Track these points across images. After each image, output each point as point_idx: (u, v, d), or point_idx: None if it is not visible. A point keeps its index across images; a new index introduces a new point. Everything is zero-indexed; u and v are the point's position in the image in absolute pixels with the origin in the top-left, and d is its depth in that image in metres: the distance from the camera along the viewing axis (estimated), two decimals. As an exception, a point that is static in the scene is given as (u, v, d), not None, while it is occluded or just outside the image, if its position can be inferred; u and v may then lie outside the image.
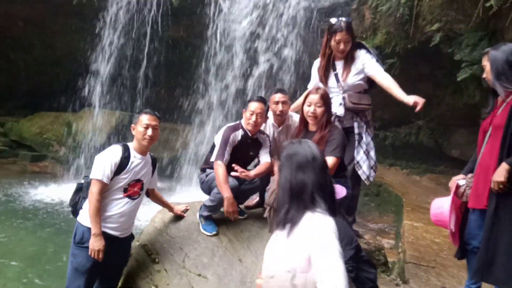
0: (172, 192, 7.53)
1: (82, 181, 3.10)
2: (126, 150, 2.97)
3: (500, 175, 2.56)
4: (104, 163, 2.89)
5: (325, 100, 3.17)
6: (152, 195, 3.35)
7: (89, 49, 8.56)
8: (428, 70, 7.26)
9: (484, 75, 2.86)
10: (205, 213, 3.37)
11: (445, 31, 5.96)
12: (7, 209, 6.54)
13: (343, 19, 3.58)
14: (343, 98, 3.54)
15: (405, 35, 6.60)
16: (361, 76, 3.58)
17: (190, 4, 8.18)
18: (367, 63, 3.58)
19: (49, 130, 9.22)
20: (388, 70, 3.69)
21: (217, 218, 3.48)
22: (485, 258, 2.63)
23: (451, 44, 6.09)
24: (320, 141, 3.09)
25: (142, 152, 3.04)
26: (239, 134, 3.47)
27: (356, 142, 3.50)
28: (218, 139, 3.46)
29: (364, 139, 3.53)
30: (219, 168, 3.28)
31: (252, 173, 3.35)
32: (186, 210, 3.57)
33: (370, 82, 3.66)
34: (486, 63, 2.81)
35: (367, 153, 3.49)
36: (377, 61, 3.62)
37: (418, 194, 7.19)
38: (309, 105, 3.15)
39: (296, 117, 3.91)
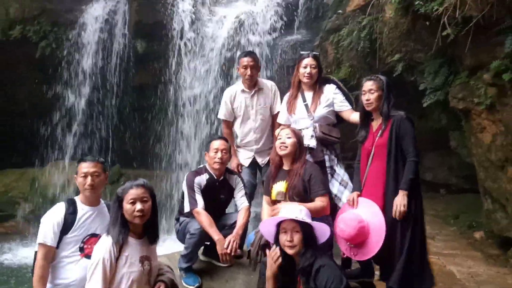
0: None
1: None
2: (70, 205, 2.71)
3: (401, 204, 2.90)
4: (45, 224, 2.64)
5: (295, 133, 3.23)
6: None
7: (54, 100, 8.39)
8: (395, 101, 7.43)
9: (369, 99, 3.14)
10: (184, 265, 3.24)
11: (406, 61, 6.18)
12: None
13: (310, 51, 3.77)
14: (314, 128, 3.54)
15: (368, 67, 6.79)
16: (330, 109, 3.64)
17: (156, 50, 8.20)
18: (336, 99, 3.67)
19: (15, 188, 8.82)
20: (356, 100, 3.78)
21: (199, 268, 3.33)
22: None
23: (413, 72, 6.31)
24: (290, 174, 3.08)
25: (91, 202, 2.76)
26: (204, 178, 3.41)
27: (329, 176, 3.49)
28: (184, 187, 3.38)
29: (337, 171, 3.53)
30: (200, 216, 3.20)
31: (239, 231, 3.27)
32: None
33: (338, 118, 3.72)
34: (376, 90, 3.13)
35: (345, 184, 3.47)
36: (346, 98, 3.70)
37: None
38: (279, 138, 3.19)
39: (268, 83, 4.07)
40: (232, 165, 3.96)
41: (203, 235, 3.18)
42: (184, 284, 3.21)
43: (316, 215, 2.92)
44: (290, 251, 2.55)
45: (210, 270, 3.32)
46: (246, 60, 3.90)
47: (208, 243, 3.35)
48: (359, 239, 2.98)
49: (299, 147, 3.18)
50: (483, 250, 5.16)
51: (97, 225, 2.74)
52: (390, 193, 3.02)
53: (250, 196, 3.72)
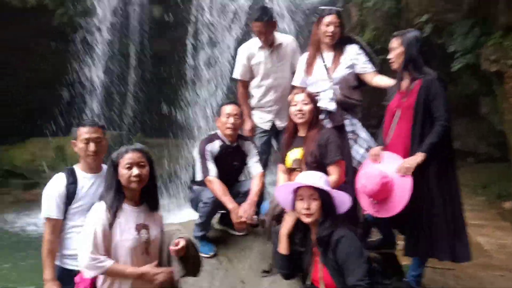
0: (165, 212, 7.26)
1: None
2: (70, 175, 2.56)
3: (409, 161, 2.76)
4: (47, 198, 2.52)
5: (312, 98, 3.03)
6: None
7: (75, 70, 8.38)
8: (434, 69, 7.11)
9: (392, 58, 2.97)
10: (199, 233, 3.17)
11: (434, 21, 5.83)
12: (4, 241, 6.32)
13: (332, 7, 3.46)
14: (334, 91, 3.34)
15: (394, 29, 6.32)
16: (351, 71, 3.40)
17: (173, 17, 8.02)
18: (358, 61, 3.42)
19: (41, 156, 8.96)
20: (381, 65, 3.52)
21: (214, 236, 3.27)
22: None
23: (442, 34, 5.95)
24: (307, 140, 2.93)
25: (92, 170, 2.61)
26: (216, 145, 3.27)
27: (352, 141, 3.29)
28: (196, 155, 3.28)
29: (362, 136, 3.32)
30: (213, 184, 3.10)
31: (254, 198, 3.13)
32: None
33: (359, 80, 3.50)
34: (398, 46, 2.92)
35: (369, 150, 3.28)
36: (369, 60, 3.45)
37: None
38: (295, 105, 2.99)
39: (288, 38, 3.85)
40: (246, 127, 3.78)
41: (217, 204, 3.09)
42: (199, 252, 3.15)
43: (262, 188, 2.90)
44: (306, 220, 2.42)
45: (226, 239, 3.26)
46: (258, 25, 3.62)
47: (224, 211, 3.27)
48: (382, 195, 2.79)
49: (316, 113, 3.02)
50: (512, 220, 4.96)
51: (102, 191, 2.52)
52: None
53: (264, 164, 3.59)
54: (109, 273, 2.20)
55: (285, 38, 3.87)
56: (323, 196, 2.43)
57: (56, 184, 2.54)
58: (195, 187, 3.30)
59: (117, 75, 8.60)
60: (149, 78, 8.83)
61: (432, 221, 2.79)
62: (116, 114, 8.92)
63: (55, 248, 2.53)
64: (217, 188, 3.07)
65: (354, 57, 3.39)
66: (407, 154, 2.84)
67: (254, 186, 3.19)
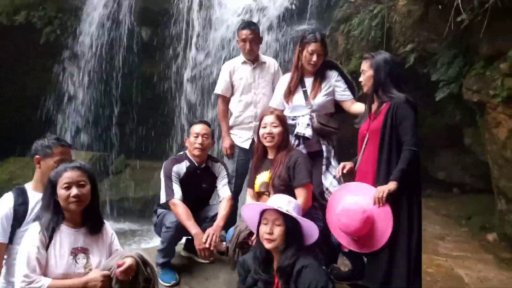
0: (150, 235, 7.09)
1: None
2: (20, 195, 2.38)
3: (382, 190, 2.62)
4: None
5: (281, 120, 2.96)
6: None
7: (60, 89, 8.29)
8: (406, 93, 7.10)
9: (362, 81, 2.94)
10: (160, 260, 3.02)
11: (419, 51, 5.86)
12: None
13: (317, 31, 3.42)
14: (311, 118, 3.26)
15: (379, 59, 6.48)
16: (330, 98, 3.36)
17: (161, 39, 8.02)
18: (338, 88, 3.40)
19: (20, 176, 8.72)
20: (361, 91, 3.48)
21: (179, 264, 3.11)
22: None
23: (426, 64, 5.96)
24: (275, 163, 2.84)
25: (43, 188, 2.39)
26: (183, 166, 3.17)
27: (324, 167, 3.21)
28: (162, 176, 3.15)
29: (333, 163, 3.27)
30: (176, 207, 2.98)
31: (220, 223, 3.01)
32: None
33: (337, 107, 3.45)
34: (367, 69, 2.88)
35: (338, 178, 3.20)
36: (348, 87, 3.43)
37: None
38: (264, 127, 2.91)
39: (271, 60, 3.87)
40: (225, 144, 3.71)
41: (180, 229, 2.95)
42: (160, 281, 2.99)
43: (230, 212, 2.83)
44: (267, 245, 2.30)
45: (190, 267, 3.12)
46: (244, 33, 3.65)
47: (189, 237, 3.12)
48: (365, 230, 2.66)
49: (285, 136, 2.93)
50: (495, 253, 4.83)
51: None
52: (380, 185, 2.71)
53: (239, 188, 3.48)
54: None
55: (268, 59, 3.94)
56: (289, 223, 2.31)
57: (3, 205, 2.35)
58: (159, 210, 3.17)
59: (103, 96, 8.51)
60: (135, 100, 8.75)
61: (396, 247, 2.67)
62: (101, 135, 8.79)
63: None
64: (181, 211, 2.94)
65: (334, 84, 3.35)
66: (373, 179, 2.74)
67: (221, 211, 3.06)
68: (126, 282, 2.12)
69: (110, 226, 2.39)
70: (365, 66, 2.89)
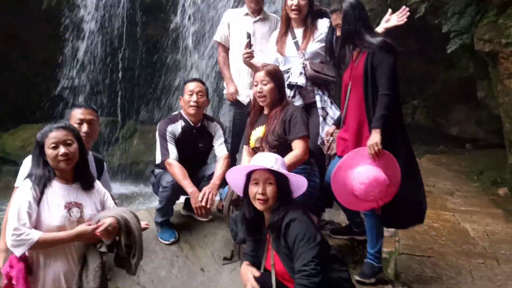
0: (154, 198, 7.20)
1: None
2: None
3: (374, 143, 2.53)
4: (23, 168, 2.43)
5: (273, 75, 2.81)
6: None
7: (65, 57, 8.26)
8: (417, 46, 6.86)
9: (339, 35, 2.78)
10: (159, 219, 3.02)
11: (430, 1, 5.58)
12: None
13: None
14: (304, 66, 3.16)
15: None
16: (323, 45, 3.22)
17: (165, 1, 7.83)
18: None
19: (32, 142, 8.86)
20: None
21: (178, 222, 3.13)
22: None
23: (437, 14, 5.70)
24: (269, 118, 2.77)
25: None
26: (178, 125, 3.11)
27: (321, 118, 3.11)
28: (157, 137, 3.11)
29: (330, 113, 3.14)
30: (172, 167, 2.95)
31: (216, 182, 2.97)
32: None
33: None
34: (339, 13, 2.73)
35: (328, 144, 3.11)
36: None
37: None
38: (256, 85, 2.82)
39: (273, 17, 3.72)
40: (229, 91, 3.64)
41: (176, 188, 2.94)
42: (159, 239, 3.02)
43: (296, 165, 2.60)
44: (261, 207, 2.24)
45: (189, 225, 3.11)
46: None
47: (188, 196, 3.11)
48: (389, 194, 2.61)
49: (278, 91, 2.82)
50: (505, 207, 4.74)
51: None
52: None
53: (237, 144, 3.43)
54: (40, 245, 2.03)
55: (271, 15, 3.75)
56: (280, 180, 2.25)
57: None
58: (157, 170, 3.16)
59: (109, 61, 8.45)
60: (141, 64, 8.67)
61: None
62: (109, 100, 8.80)
63: None
64: (177, 171, 2.92)
65: (325, 31, 3.21)
66: (360, 124, 2.70)
67: (217, 169, 3.03)
68: (110, 242, 2.14)
69: (102, 186, 2.39)
70: (338, 19, 2.73)
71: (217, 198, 3.24)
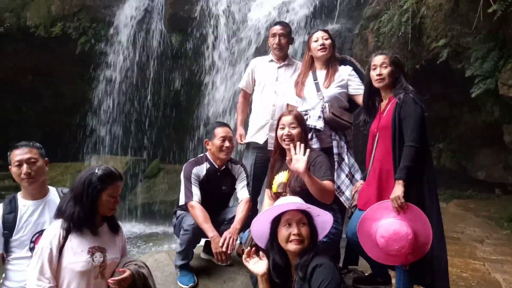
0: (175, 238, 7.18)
1: None
2: (8, 204, 2.37)
3: (396, 196, 2.49)
4: None
5: (300, 120, 2.86)
6: None
7: (95, 96, 8.60)
8: (440, 90, 6.85)
9: (381, 74, 2.74)
10: (179, 262, 3.01)
11: (452, 46, 5.61)
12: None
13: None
14: (323, 109, 3.19)
15: (411, 55, 6.28)
16: (343, 91, 3.28)
17: (191, 44, 8.14)
18: (351, 82, 3.32)
19: (60, 181, 9.12)
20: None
21: (197, 266, 3.10)
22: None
23: (460, 59, 5.71)
24: None
25: (34, 195, 2.40)
26: (203, 168, 3.15)
27: (336, 164, 3.10)
28: (181, 178, 3.16)
29: (345, 160, 3.13)
30: (194, 209, 2.97)
31: (237, 226, 2.97)
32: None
33: (351, 104, 3.35)
34: (389, 62, 2.73)
35: (350, 176, 3.08)
36: (363, 82, 3.33)
37: (444, 222, 6.63)
38: (283, 128, 2.83)
39: (299, 63, 3.76)
40: (238, 133, 3.79)
41: (197, 231, 2.94)
42: (178, 282, 2.99)
43: (320, 196, 2.56)
44: (297, 247, 2.18)
45: (209, 269, 3.08)
46: (275, 29, 3.71)
47: (208, 239, 3.10)
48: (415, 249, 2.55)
49: (304, 136, 2.86)
50: (538, 258, 4.52)
51: (46, 219, 2.40)
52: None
53: (257, 188, 3.44)
54: None
55: (297, 62, 3.87)
56: (311, 221, 2.25)
57: None
58: (179, 212, 3.18)
59: (136, 103, 8.75)
60: (166, 106, 8.94)
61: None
62: (135, 140, 9.03)
63: None
64: (199, 214, 2.93)
65: (347, 78, 3.27)
66: (387, 175, 2.65)
67: (238, 213, 3.03)
68: None
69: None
70: (386, 60, 2.75)
71: (237, 242, 3.22)
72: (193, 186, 3.05)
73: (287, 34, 3.75)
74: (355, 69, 3.35)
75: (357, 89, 3.25)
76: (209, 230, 2.89)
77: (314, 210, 2.26)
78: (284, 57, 3.77)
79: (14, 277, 2.35)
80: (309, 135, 3.09)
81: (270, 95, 3.67)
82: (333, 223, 2.63)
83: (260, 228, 2.36)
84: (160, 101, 8.91)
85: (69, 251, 2.14)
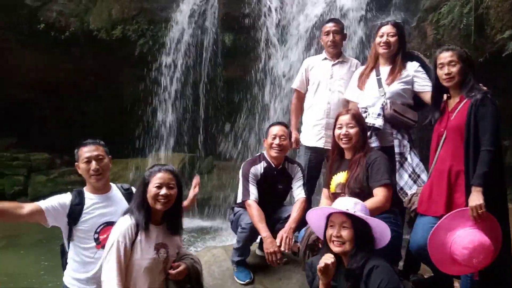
0: (229, 232, 7.31)
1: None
2: (77, 196, 2.51)
3: (477, 205, 2.35)
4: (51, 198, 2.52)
5: (358, 120, 2.81)
6: None
7: (153, 96, 8.91)
8: (505, 83, 6.45)
9: (450, 73, 2.61)
10: (236, 258, 3.09)
11: (518, 37, 5.27)
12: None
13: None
14: (383, 106, 3.08)
15: (473, 48, 5.95)
16: (408, 87, 3.16)
17: (243, 43, 8.22)
18: (417, 78, 3.19)
19: (121, 176, 9.56)
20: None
21: (253, 263, 3.16)
22: None
23: (528, 51, 5.35)
24: (352, 164, 2.71)
25: (99, 190, 2.56)
26: (260, 167, 3.19)
27: (398, 164, 3.00)
28: (240, 177, 3.22)
29: (409, 160, 3.02)
30: (251, 209, 3.03)
31: (291, 225, 2.98)
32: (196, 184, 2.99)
33: (416, 101, 3.23)
34: (457, 60, 2.60)
35: (415, 177, 2.97)
36: (430, 78, 3.19)
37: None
38: (340, 127, 2.78)
39: (353, 60, 3.73)
40: (292, 137, 3.70)
41: (254, 230, 3.00)
42: (235, 278, 3.07)
43: (375, 212, 2.53)
44: (336, 249, 2.22)
45: (265, 266, 3.12)
46: (328, 26, 3.67)
47: (264, 237, 3.15)
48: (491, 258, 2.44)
49: (362, 136, 2.80)
50: None
51: (110, 213, 2.55)
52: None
53: (311, 188, 3.43)
54: None
55: (350, 59, 3.81)
56: (357, 225, 2.22)
57: (62, 197, 2.52)
58: (236, 209, 3.25)
59: (191, 100, 8.98)
60: (221, 103, 9.09)
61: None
62: (191, 137, 9.27)
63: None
64: (255, 213, 2.99)
65: (413, 74, 3.15)
66: (456, 176, 2.53)
67: (293, 212, 3.05)
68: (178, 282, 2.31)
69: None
70: (454, 57, 2.61)
71: (293, 240, 3.25)
72: (250, 185, 3.11)
73: (341, 31, 3.70)
74: (423, 65, 3.22)
75: (423, 85, 3.13)
76: (263, 230, 2.94)
77: (359, 215, 2.22)
78: (338, 54, 3.72)
79: (78, 267, 2.50)
80: (368, 134, 3.02)
81: (325, 93, 3.64)
82: (393, 226, 2.58)
83: (316, 222, 2.41)
84: (213, 99, 9.07)
85: (138, 247, 2.27)
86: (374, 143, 3.05)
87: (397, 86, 3.16)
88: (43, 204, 2.44)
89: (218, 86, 8.82)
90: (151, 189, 2.31)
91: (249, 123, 8.70)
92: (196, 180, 2.90)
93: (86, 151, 2.51)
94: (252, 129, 8.49)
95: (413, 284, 2.94)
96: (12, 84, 9.72)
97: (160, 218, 2.39)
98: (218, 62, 8.48)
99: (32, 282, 4.96)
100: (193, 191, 2.91)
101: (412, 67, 3.22)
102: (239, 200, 3.18)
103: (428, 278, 2.93)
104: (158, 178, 2.32)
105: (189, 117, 9.15)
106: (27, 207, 2.38)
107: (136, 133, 9.35)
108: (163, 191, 2.28)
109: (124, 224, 2.30)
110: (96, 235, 2.48)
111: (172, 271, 2.29)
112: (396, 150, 3.04)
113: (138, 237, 2.28)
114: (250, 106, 8.57)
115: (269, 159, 3.23)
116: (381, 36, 3.21)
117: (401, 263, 2.98)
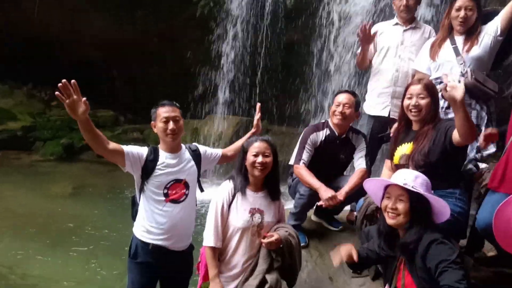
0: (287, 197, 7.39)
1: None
2: (153, 152, 2.63)
3: None
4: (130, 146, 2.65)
5: (430, 90, 2.62)
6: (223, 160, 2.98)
7: (212, 59, 9.00)
8: None
9: None
10: (292, 222, 3.14)
11: None
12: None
13: None
14: (464, 73, 2.87)
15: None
16: (487, 51, 2.94)
17: (305, 5, 8.00)
18: (495, 21, 2.96)
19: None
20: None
21: (309, 228, 3.20)
22: None
23: None
24: (419, 136, 2.58)
25: (172, 149, 2.66)
26: (322, 134, 3.15)
27: None
28: (299, 140, 3.21)
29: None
30: (299, 169, 3.09)
31: (346, 189, 2.97)
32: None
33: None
34: None
35: (483, 148, 2.79)
36: None
37: None
38: (410, 98, 2.64)
39: (427, 27, 3.55)
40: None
41: (312, 197, 3.02)
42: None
43: (466, 135, 2.34)
44: (390, 221, 2.19)
45: (320, 232, 3.17)
46: None
47: (320, 203, 3.15)
48: None
49: (434, 107, 2.62)
50: None
51: (181, 170, 2.65)
52: None
53: (371, 159, 3.35)
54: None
55: (424, 25, 3.60)
56: (414, 199, 2.16)
57: (141, 148, 2.66)
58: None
59: (249, 64, 8.97)
60: (279, 67, 9.01)
61: None
62: (246, 100, 9.33)
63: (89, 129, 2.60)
64: (303, 173, 3.06)
65: (493, 33, 2.91)
66: None
67: (351, 179, 3.03)
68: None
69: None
70: None
71: (348, 208, 3.24)
72: (304, 152, 3.13)
73: None
74: None
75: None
76: (315, 182, 3.00)
77: (417, 190, 2.15)
78: (411, 20, 3.52)
79: (148, 218, 2.65)
80: (445, 103, 2.85)
81: (394, 60, 3.48)
82: (458, 202, 2.49)
83: (374, 191, 2.38)
84: (272, 63, 9.00)
85: (234, 209, 2.53)
86: (451, 113, 2.82)
87: (477, 51, 2.93)
88: (125, 147, 2.61)
89: (277, 50, 8.71)
90: (249, 157, 2.52)
91: (307, 88, 8.58)
92: (258, 105, 3.00)
93: (165, 111, 2.62)
94: (311, 95, 8.39)
95: (475, 261, 2.85)
96: (83, 44, 10.23)
97: (261, 185, 2.59)
98: (278, 26, 8.33)
99: (97, 226, 5.38)
100: (257, 116, 3.02)
101: (491, 27, 2.96)
102: (290, 162, 3.22)
103: (492, 257, 2.83)
104: (255, 147, 2.52)
105: (247, 81, 9.17)
106: (112, 144, 2.58)
107: (195, 95, 9.56)
108: (260, 158, 2.49)
109: (225, 187, 2.58)
110: (166, 190, 2.62)
111: (264, 240, 2.47)
112: (474, 122, 2.85)
113: (235, 200, 2.53)
114: (309, 71, 8.43)
115: (332, 127, 3.18)
116: (458, 10, 2.96)
117: (464, 242, 2.87)
